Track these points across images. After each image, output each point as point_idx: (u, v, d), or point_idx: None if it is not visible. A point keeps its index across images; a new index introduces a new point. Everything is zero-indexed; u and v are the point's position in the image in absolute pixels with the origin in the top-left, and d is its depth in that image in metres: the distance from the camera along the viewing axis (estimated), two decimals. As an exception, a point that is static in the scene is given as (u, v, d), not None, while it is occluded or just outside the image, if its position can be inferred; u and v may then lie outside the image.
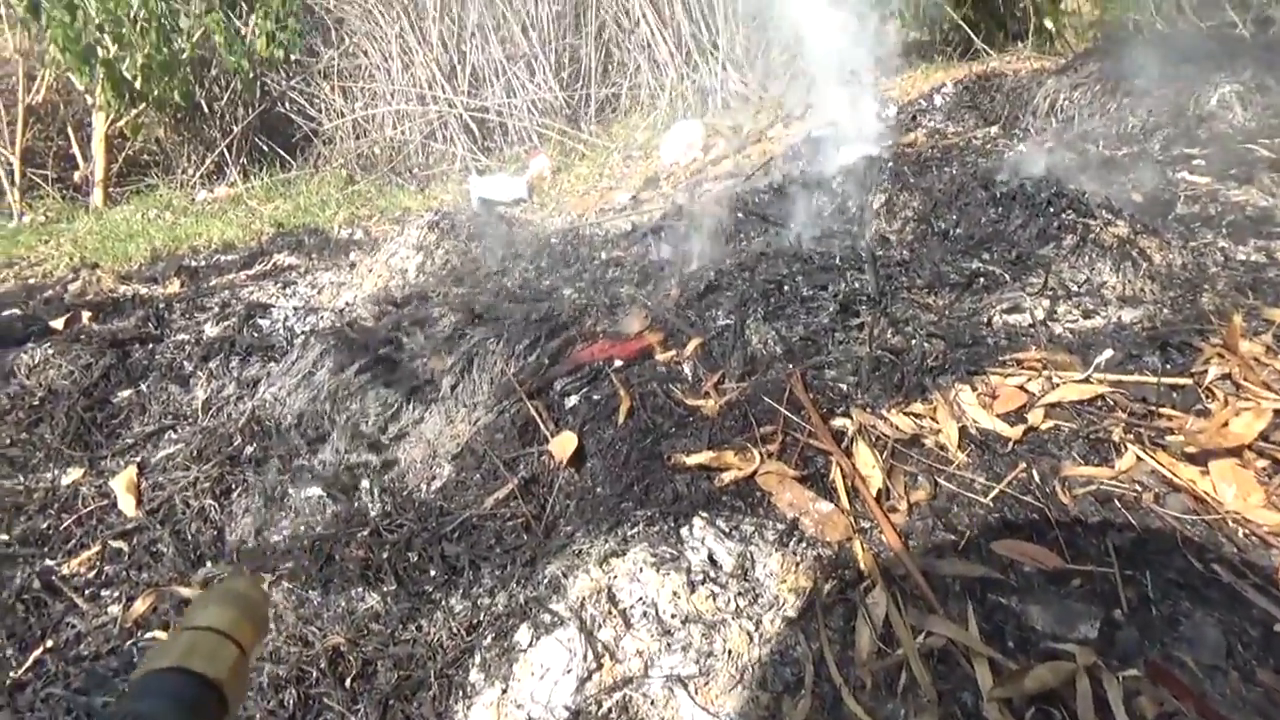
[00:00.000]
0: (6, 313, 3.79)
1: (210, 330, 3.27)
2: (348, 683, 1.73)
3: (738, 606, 1.59)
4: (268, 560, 2.09)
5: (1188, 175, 3.06)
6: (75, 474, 2.62)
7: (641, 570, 1.67)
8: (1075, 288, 2.38)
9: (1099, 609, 1.49)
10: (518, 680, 1.58)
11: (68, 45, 6.58)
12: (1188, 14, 5.25)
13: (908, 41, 6.85)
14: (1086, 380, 2.05)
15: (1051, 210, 2.59)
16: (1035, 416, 1.98)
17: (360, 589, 1.94)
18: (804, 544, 1.72)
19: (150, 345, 3.21)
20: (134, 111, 7.29)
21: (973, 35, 6.44)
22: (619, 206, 4.70)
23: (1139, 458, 1.83)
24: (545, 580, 1.75)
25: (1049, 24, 6.64)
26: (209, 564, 2.16)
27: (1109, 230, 2.51)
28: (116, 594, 2.13)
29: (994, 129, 3.96)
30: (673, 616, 1.59)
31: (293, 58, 7.57)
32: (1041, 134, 3.75)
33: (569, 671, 1.55)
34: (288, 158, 7.78)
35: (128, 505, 2.44)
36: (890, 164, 2.96)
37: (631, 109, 7.39)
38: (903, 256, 2.58)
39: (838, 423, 2.03)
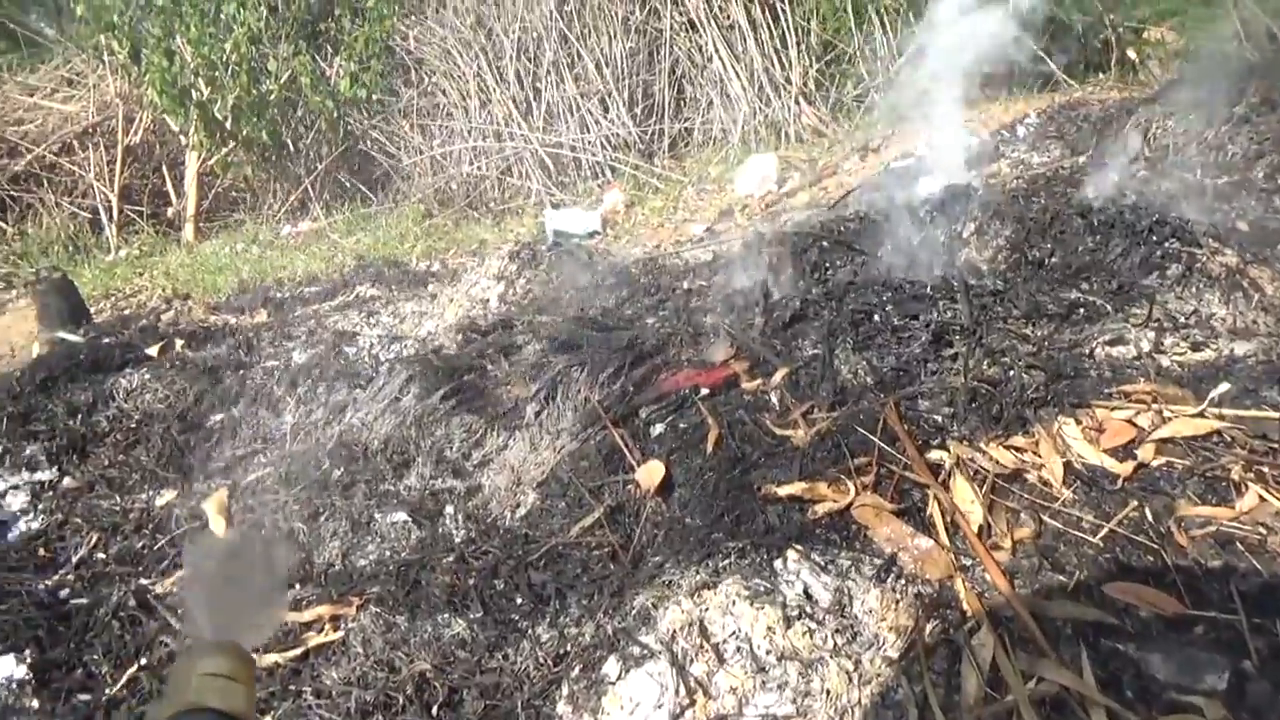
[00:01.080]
0: (105, 340, 3.93)
1: (298, 357, 3.34)
2: (434, 710, 1.72)
3: (835, 644, 1.54)
4: (354, 584, 2.10)
5: (1296, 203, 2.93)
6: (169, 495, 2.68)
7: (734, 603, 1.62)
8: (1182, 319, 2.28)
9: (1226, 659, 1.40)
10: (606, 714, 1.54)
11: (164, 89, 6.90)
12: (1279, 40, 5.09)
13: (985, 72, 6.75)
14: (1201, 414, 1.95)
15: (1154, 238, 2.50)
16: (1146, 452, 1.88)
17: (446, 615, 1.92)
18: (903, 581, 1.65)
19: (241, 371, 3.28)
20: (224, 150, 7.58)
21: (1052, 66, 6.33)
22: (695, 238, 4.69)
23: (1262, 498, 1.73)
24: (634, 611, 1.71)
25: (1132, 54, 6.50)
26: (297, 586, 2.17)
27: (1216, 259, 2.40)
28: (207, 614, 2.15)
29: (1082, 158, 3.86)
30: (768, 653, 1.54)
31: (374, 97, 7.80)
32: (1135, 163, 3.64)
33: (660, 706, 1.51)
34: (368, 193, 7.99)
35: (219, 526, 2.48)
36: (978, 192, 2.89)
37: (704, 143, 7.41)
38: (996, 286, 2.51)
39: (934, 456, 1.97)
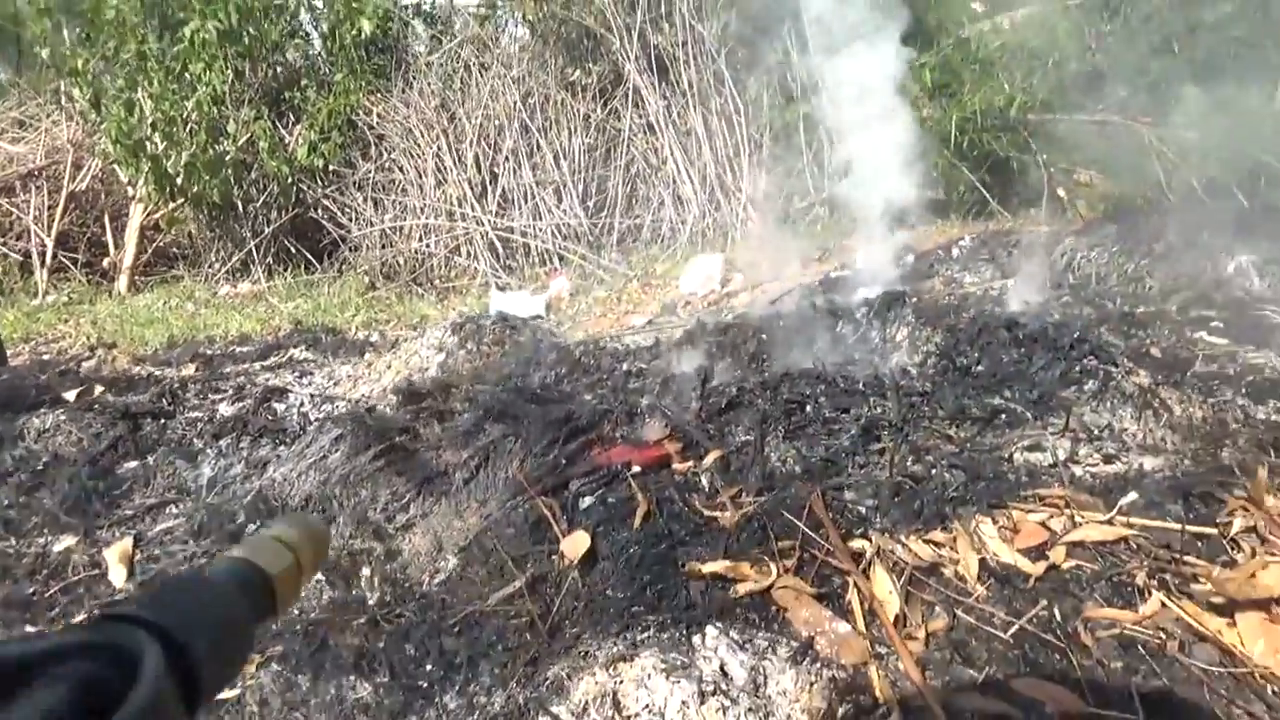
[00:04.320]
0: (19, 381, 3.80)
1: (224, 410, 3.27)
2: (330, 775, 1.65)
3: (748, 723, 1.53)
4: (258, 642, 2.02)
5: (1206, 336, 3.10)
6: (68, 541, 2.57)
7: (650, 676, 1.61)
8: (1097, 431, 2.37)
9: (1126, 757, 1.43)
10: (512, 784, 1.50)
11: (120, 138, 6.87)
12: (1199, 192, 5.45)
13: (925, 199, 7.08)
14: (1110, 522, 2.02)
15: (1074, 354, 2.62)
16: (1057, 554, 1.94)
17: (352, 678, 1.86)
18: (819, 664, 1.66)
19: (162, 420, 3.20)
20: (172, 206, 7.52)
21: (988, 196, 6.68)
22: (636, 328, 4.76)
23: (1164, 604, 1.78)
24: (548, 681, 1.68)
25: (1062, 193, 6.89)
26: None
27: (1130, 379, 2.52)
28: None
29: (1011, 280, 4.05)
30: (680, 727, 1.52)
31: (331, 168, 7.85)
32: (1060, 288, 3.84)
33: (567, 778, 1.47)
34: (314, 261, 7.97)
35: (118, 576, 2.38)
36: (912, 299, 3.01)
37: (653, 240, 7.58)
38: (924, 387, 2.59)
39: (856, 545, 2.00)
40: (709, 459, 2.33)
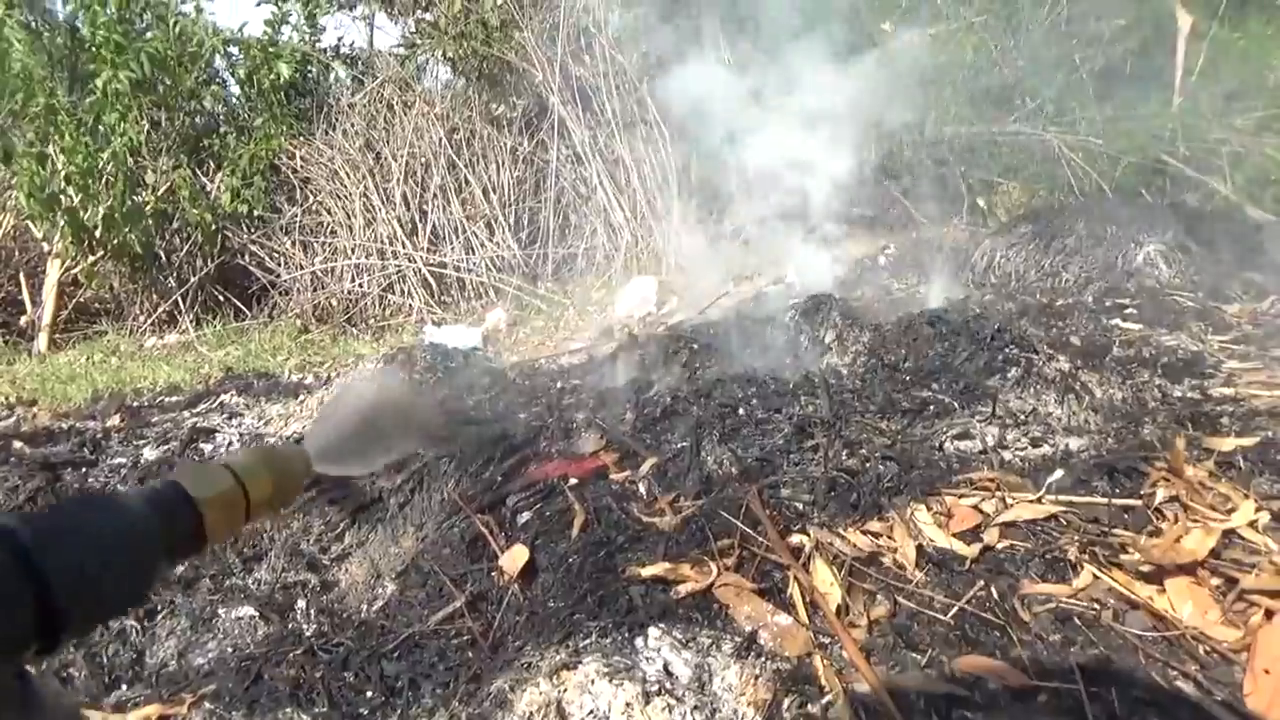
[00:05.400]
0: (-68, 439, 3.64)
1: (149, 454, 3.17)
2: (267, 811, 1.58)
3: None
4: (189, 682, 1.95)
5: (1121, 323, 3.21)
6: (-14, 597, 2.45)
7: (594, 682, 1.58)
8: (1022, 417, 2.43)
9: (1067, 725, 1.44)
10: (456, 802, 1.46)
11: (33, 193, 6.66)
12: (1108, 193, 5.67)
13: (851, 213, 7.24)
14: (1039, 501, 2.06)
15: (996, 345, 2.68)
16: (991, 535, 1.97)
17: (290, 710, 1.80)
18: (763, 657, 1.65)
19: (84, 469, 3.09)
20: (90, 260, 7.30)
21: (910, 209, 6.86)
22: (572, 350, 4.76)
23: (1096, 575, 1.82)
24: (490, 696, 1.64)
25: (981, 202, 7.11)
26: (124, 687, 2.00)
27: (1051, 365, 2.59)
28: None
29: (934, 283, 4.14)
30: (626, 729, 1.49)
31: (255, 213, 7.72)
32: (981, 287, 3.94)
33: (513, 790, 1.44)
34: (243, 308, 7.79)
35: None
36: (840, 301, 3.07)
37: (588, 268, 7.60)
38: (855, 385, 2.63)
39: (795, 540, 2.00)
40: (645, 466, 2.32)
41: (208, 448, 3.19)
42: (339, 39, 8.60)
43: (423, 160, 7.76)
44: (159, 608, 2.24)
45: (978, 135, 6.99)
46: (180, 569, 2.37)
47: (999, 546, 1.94)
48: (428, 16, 8.18)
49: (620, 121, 7.62)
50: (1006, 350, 2.66)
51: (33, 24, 7.21)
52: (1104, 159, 6.04)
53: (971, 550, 1.93)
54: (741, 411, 2.52)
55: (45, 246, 7.52)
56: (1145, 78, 6.47)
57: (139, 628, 2.17)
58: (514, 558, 2.03)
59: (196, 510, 0.62)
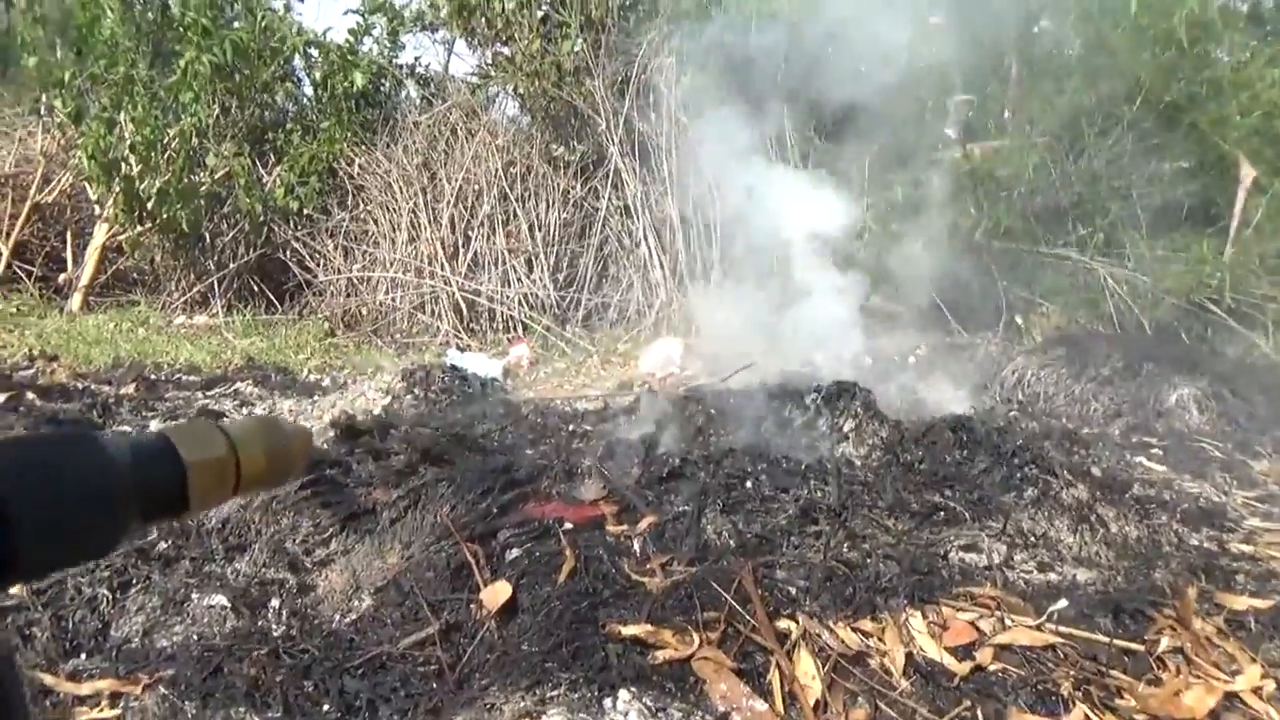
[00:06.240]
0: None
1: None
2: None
3: (652, 793, 1.45)
4: (149, 663, 1.91)
5: (1145, 461, 3.15)
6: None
7: (555, 735, 1.53)
8: (1033, 539, 2.37)
9: None
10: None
11: (95, 155, 6.80)
12: (1146, 329, 5.63)
13: (887, 310, 7.22)
14: (1039, 628, 2.00)
15: (1015, 461, 2.63)
16: (984, 655, 1.91)
17: (243, 709, 1.75)
18: (732, 741, 1.59)
19: (90, 430, 3.08)
20: (138, 229, 7.41)
21: (947, 314, 6.82)
22: (588, 395, 4.74)
23: (1088, 715, 1.76)
24: (447, 731, 1.60)
25: (1019, 320, 7.08)
26: (84, 656, 1.96)
27: (1069, 491, 2.54)
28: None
29: (962, 391, 4.10)
30: (580, 791, 1.44)
31: (305, 211, 7.82)
32: (1008, 404, 3.90)
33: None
34: (275, 301, 7.85)
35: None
36: (864, 392, 3.03)
37: (619, 320, 7.60)
38: (867, 478, 2.59)
39: (783, 625, 1.95)
40: (643, 524, 2.28)
41: (213, 431, 3.18)
42: (416, 58, 8.78)
43: (476, 187, 7.85)
44: (134, 581, 2.21)
45: (1025, 253, 6.98)
46: (162, 544, 2.35)
47: (991, 668, 1.88)
48: (505, 50, 8.34)
49: (675, 183, 7.69)
50: (1025, 469, 2.61)
51: (129, -4, 7.44)
52: (1148, 296, 6.00)
53: (962, 667, 1.87)
54: (749, 485, 2.48)
55: (97, 209, 7.65)
56: (1201, 222, 6.47)
57: (110, 598, 2.14)
58: (495, 593, 1.98)
59: (183, 472, 0.59)
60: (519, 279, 7.68)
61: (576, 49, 7.92)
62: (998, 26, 7.06)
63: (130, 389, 4.30)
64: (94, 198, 7.60)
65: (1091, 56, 6.92)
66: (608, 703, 1.62)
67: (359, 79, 7.90)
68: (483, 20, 8.84)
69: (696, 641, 1.83)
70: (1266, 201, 6.02)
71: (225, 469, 0.62)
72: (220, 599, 2.11)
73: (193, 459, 0.59)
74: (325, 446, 2.76)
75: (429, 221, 7.78)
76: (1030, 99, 7.19)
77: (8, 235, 7.54)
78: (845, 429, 2.88)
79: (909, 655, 1.90)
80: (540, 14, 8.73)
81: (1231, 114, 6.21)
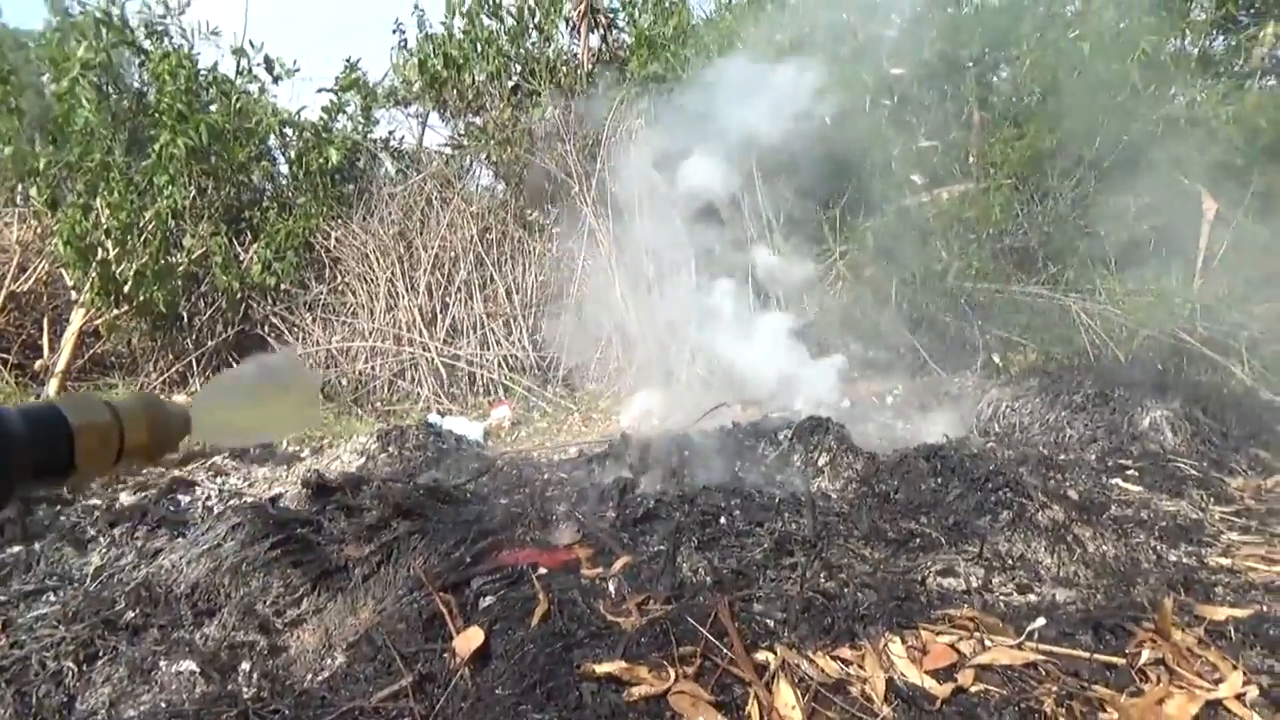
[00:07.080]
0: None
1: (125, 499, 3.13)
2: None
3: (627, 829, 1.42)
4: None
5: (1122, 482, 3.15)
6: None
7: (527, 777, 1.50)
8: (1010, 561, 2.36)
9: None
10: None
11: (71, 241, 6.83)
12: (1122, 361, 5.68)
13: (865, 355, 7.27)
14: (1019, 647, 1.98)
15: (990, 486, 2.63)
16: (965, 677, 1.89)
17: (210, 772, 1.71)
18: (710, 774, 1.56)
19: (57, 507, 3.05)
20: (115, 313, 7.41)
21: (925, 356, 6.87)
22: (564, 445, 4.73)
23: (1071, 731, 1.73)
24: (419, 780, 1.56)
25: (996, 358, 7.13)
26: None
27: (1045, 513, 2.54)
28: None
29: (939, 426, 4.11)
30: (553, 831, 1.40)
31: (283, 286, 7.86)
32: (985, 435, 3.90)
33: None
34: (254, 376, 7.83)
35: (-24, 661, 2.19)
36: (838, 427, 3.04)
37: (599, 377, 7.61)
38: (842, 509, 2.58)
39: (761, 657, 1.92)
40: (618, 565, 2.26)
41: (185, 499, 3.15)
42: (390, 131, 8.93)
43: (452, 254, 7.92)
44: (100, 652, 2.17)
45: (998, 293, 7.07)
46: (130, 613, 2.31)
47: (972, 689, 1.86)
48: (477, 120, 8.49)
49: (649, 242, 7.78)
50: (1000, 493, 2.61)
51: (105, 87, 7.55)
52: (1122, 330, 6.06)
53: (943, 690, 1.85)
54: (723, 521, 2.47)
55: (73, 295, 7.65)
56: (1166, 256, 6.58)
57: (76, 670, 2.09)
58: (468, 639, 1.95)
59: (70, 434, 0.61)
60: (498, 341, 7.71)
61: (547, 115, 8.08)
62: (958, 75, 7.28)
63: (106, 468, 4.26)
64: (70, 283, 7.61)
65: (1049, 100, 7.12)
66: (582, 742, 1.59)
67: (334, 155, 8.02)
68: (454, 92, 9.04)
69: (673, 676, 1.80)
70: (1230, 233, 6.15)
71: (109, 434, 0.66)
72: (189, 665, 2.07)
73: (79, 423, 0.62)
74: (295, 505, 2.74)
75: (406, 289, 7.82)
76: (994, 143, 7.37)
77: (-18, 325, 7.51)
78: (820, 463, 2.88)
79: (890, 681, 1.87)
80: (511, 84, 8.95)
81: (1190, 151, 6.37)
